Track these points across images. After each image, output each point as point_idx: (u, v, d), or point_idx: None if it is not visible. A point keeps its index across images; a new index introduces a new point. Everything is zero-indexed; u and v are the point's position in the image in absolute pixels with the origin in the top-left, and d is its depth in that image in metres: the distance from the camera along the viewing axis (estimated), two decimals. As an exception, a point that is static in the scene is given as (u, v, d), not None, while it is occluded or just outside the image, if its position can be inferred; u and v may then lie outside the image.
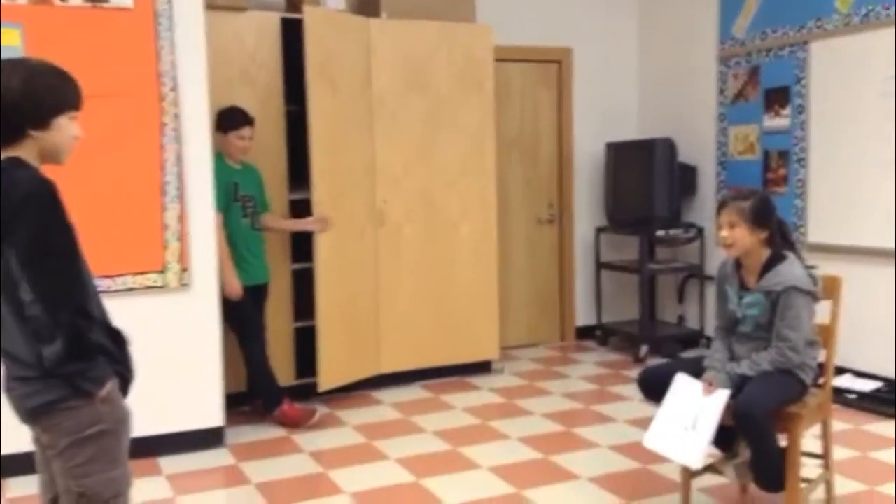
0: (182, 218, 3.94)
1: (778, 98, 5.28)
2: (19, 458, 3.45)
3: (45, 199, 1.84)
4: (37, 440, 2.04)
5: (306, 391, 4.81)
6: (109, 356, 1.93)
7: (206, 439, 4.05)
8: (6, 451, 3.57)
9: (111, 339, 1.96)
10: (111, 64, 3.78)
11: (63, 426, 1.90)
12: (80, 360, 1.86)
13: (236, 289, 4.26)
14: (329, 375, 4.74)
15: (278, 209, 4.76)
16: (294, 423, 4.38)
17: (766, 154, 5.40)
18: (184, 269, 3.96)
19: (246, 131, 4.36)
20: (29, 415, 1.92)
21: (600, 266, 6.28)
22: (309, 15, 4.59)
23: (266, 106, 4.70)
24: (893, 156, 4.53)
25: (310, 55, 4.55)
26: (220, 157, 4.30)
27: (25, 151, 1.92)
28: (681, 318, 6.25)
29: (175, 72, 3.90)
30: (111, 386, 1.94)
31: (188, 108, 3.94)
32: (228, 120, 4.34)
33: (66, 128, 1.96)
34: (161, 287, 3.91)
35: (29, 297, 1.83)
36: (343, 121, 4.82)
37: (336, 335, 4.78)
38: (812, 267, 3.08)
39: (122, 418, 1.99)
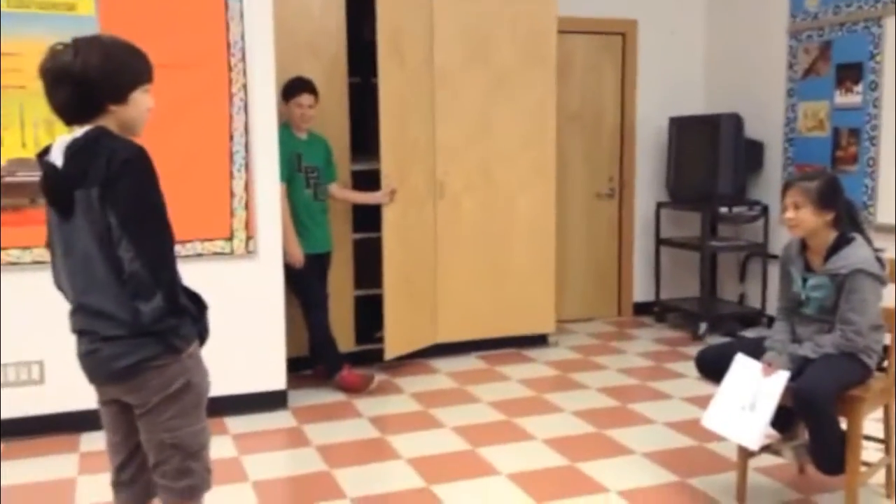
0: (248, 187, 4.04)
1: (850, 74, 5.13)
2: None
3: (143, 163, 1.93)
4: (108, 402, 2.11)
5: (366, 358, 4.92)
6: (193, 318, 2.02)
7: (269, 401, 4.19)
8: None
9: (193, 302, 2.05)
10: (182, 34, 3.87)
11: (153, 383, 1.99)
12: (175, 316, 1.96)
13: (298, 257, 4.36)
14: (394, 344, 4.84)
15: (342, 180, 4.82)
16: (353, 389, 4.49)
17: (836, 131, 5.26)
18: (249, 237, 4.07)
19: (305, 98, 4.42)
20: (118, 375, 1.99)
21: (660, 242, 6.22)
22: None
23: (331, 78, 4.75)
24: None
25: (381, 27, 4.57)
26: (286, 127, 4.38)
27: (104, 124, 1.99)
28: (742, 297, 6.17)
29: (243, 42, 3.98)
30: (196, 344, 2.05)
31: (256, 79, 4.02)
32: (288, 88, 4.41)
33: (141, 101, 2.03)
34: (228, 254, 4.03)
35: (129, 255, 1.92)
36: (409, 94, 4.85)
37: (400, 305, 4.86)
38: (879, 250, 3.02)
39: (205, 374, 2.10)
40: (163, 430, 2.01)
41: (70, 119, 1.99)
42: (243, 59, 3.97)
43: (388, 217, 4.73)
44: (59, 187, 1.98)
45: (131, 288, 1.93)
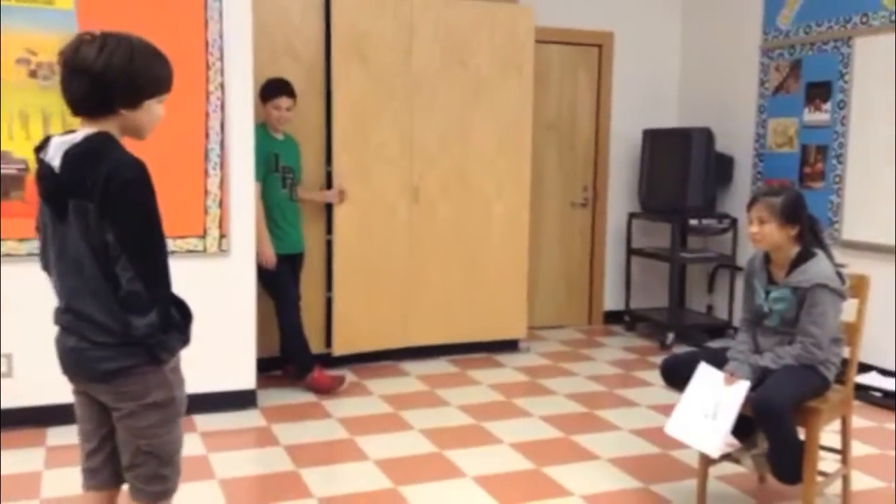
0: (223, 185, 4.06)
1: (819, 92, 5.25)
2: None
3: (144, 183, 1.90)
4: (85, 394, 2.10)
5: (336, 361, 4.94)
6: (178, 329, 2.01)
7: (239, 400, 4.20)
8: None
9: (179, 311, 2.04)
10: (160, 31, 3.81)
11: (133, 389, 1.99)
12: (164, 331, 1.96)
13: (270, 258, 4.38)
14: (343, 342, 4.92)
15: (316, 181, 4.87)
16: (324, 390, 4.51)
17: (804, 148, 5.37)
18: (223, 236, 4.08)
19: (283, 101, 4.44)
20: (101, 377, 1.99)
21: (631, 252, 6.30)
22: None
23: (309, 79, 4.78)
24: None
25: (335, 31, 4.71)
26: (262, 127, 4.40)
27: (110, 125, 1.95)
28: (709, 308, 6.27)
29: (222, 41, 3.99)
30: (178, 359, 2.07)
31: (233, 78, 4.03)
32: (266, 90, 4.44)
33: (154, 109, 2.00)
34: (201, 251, 4.04)
35: (128, 275, 1.90)
36: (374, 97, 4.91)
37: (353, 304, 4.95)
38: (841, 265, 3.10)
39: (183, 385, 2.11)
40: (139, 436, 2.02)
41: (79, 112, 1.95)
42: (221, 58, 3.99)
43: (340, 217, 4.85)
44: (55, 193, 1.95)
45: (127, 303, 1.93)
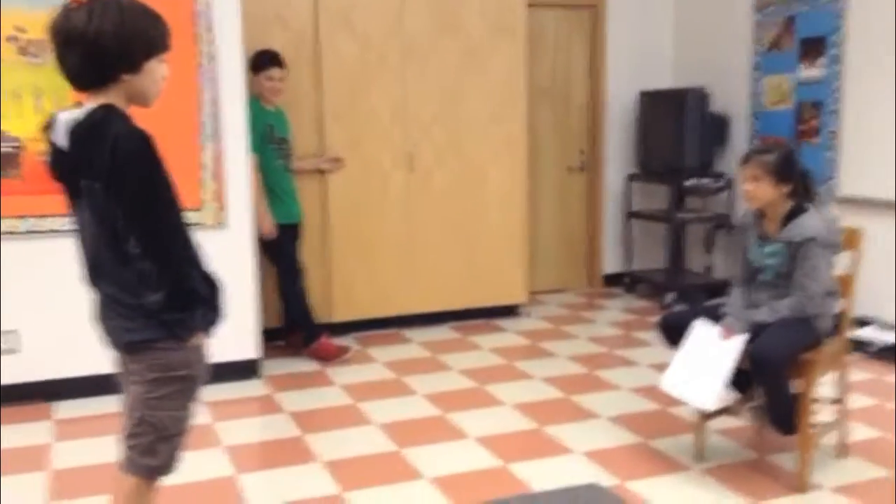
0: (218, 158, 4.07)
1: (814, 48, 5.23)
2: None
3: (149, 156, 1.86)
4: (123, 365, 2.11)
5: (338, 329, 4.99)
6: (206, 304, 1.99)
7: (242, 370, 4.25)
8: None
9: (207, 284, 2.01)
10: (148, 3, 3.85)
11: (153, 362, 1.98)
12: (180, 310, 1.94)
13: (271, 228, 4.41)
14: (344, 308, 5.01)
15: (311, 150, 4.89)
16: (329, 357, 4.56)
17: (800, 105, 5.36)
18: (220, 208, 4.10)
19: (275, 72, 4.44)
20: (124, 347, 2.01)
21: (630, 214, 6.32)
22: None
23: (298, 49, 4.78)
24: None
25: (320, 1, 4.75)
26: (255, 100, 4.40)
27: (114, 96, 1.90)
28: (708, 268, 6.29)
29: (210, 12, 3.98)
30: (202, 336, 2.03)
31: (223, 50, 4.03)
32: (258, 61, 4.43)
33: (156, 70, 1.93)
34: (198, 225, 4.06)
35: (137, 251, 1.88)
36: (364, 64, 4.91)
37: (352, 272, 5.03)
38: (832, 219, 3.11)
39: (206, 365, 2.09)
40: (146, 406, 2.01)
41: (81, 86, 1.89)
42: (210, 29, 3.98)
43: (334, 186, 4.93)
44: (65, 173, 1.93)
45: (141, 279, 1.91)
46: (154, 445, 2.03)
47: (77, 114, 1.89)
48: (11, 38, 3.72)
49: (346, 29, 4.86)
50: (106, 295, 2.00)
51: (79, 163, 1.88)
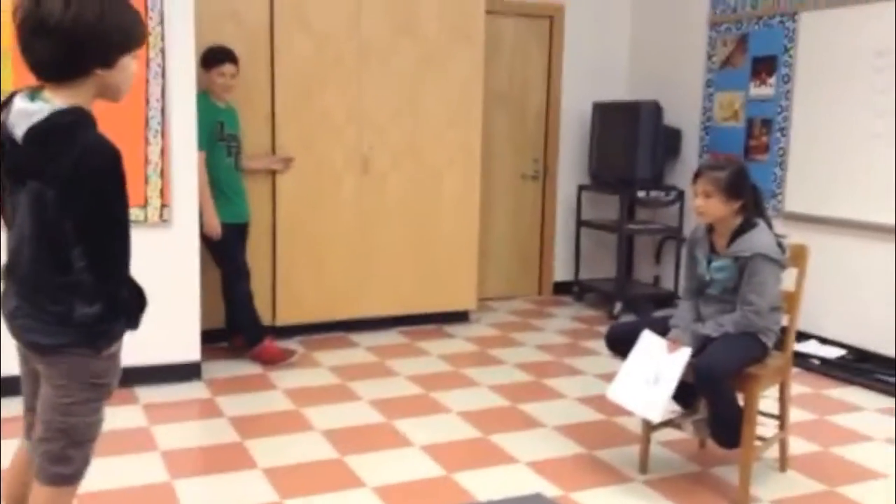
0: (164, 154, 3.96)
1: (765, 66, 5.31)
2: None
3: (115, 173, 1.78)
4: (27, 360, 2.03)
5: (285, 332, 4.91)
6: (128, 315, 1.93)
7: (183, 372, 4.14)
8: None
9: (135, 297, 1.95)
10: None
11: (64, 367, 1.90)
12: (108, 322, 1.87)
13: (216, 228, 4.31)
14: (289, 311, 4.94)
15: (260, 150, 4.80)
16: (273, 360, 4.47)
17: (750, 121, 5.45)
18: (164, 205, 3.99)
19: (227, 68, 4.35)
20: (35, 348, 1.92)
21: (581, 223, 6.35)
22: None
23: (252, 46, 4.69)
24: (889, 129, 4.57)
25: None
26: (205, 95, 4.30)
27: (83, 90, 1.81)
28: (656, 279, 6.36)
29: (162, 6, 3.88)
30: (119, 344, 1.96)
31: (174, 44, 3.93)
32: (210, 57, 4.34)
33: (129, 66, 1.86)
34: (142, 222, 3.95)
35: (82, 264, 1.81)
36: (320, 64, 4.85)
37: (299, 274, 4.95)
38: (781, 236, 3.15)
39: (118, 372, 2.02)
40: (58, 412, 1.92)
41: (48, 77, 1.78)
42: (161, 22, 3.87)
43: (284, 186, 4.85)
44: (12, 169, 1.83)
45: (75, 289, 1.83)
46: (65, 451, 1.95)
47: (40, 111, 1.76)
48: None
49: (302, 27, 4.79)
50: (21, 293, 1.90)
51: (32, 163, 1.78)
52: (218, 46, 4.38)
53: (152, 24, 3.86)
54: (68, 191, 1.76)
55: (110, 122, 3.73)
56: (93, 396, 1.95)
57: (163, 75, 3.90)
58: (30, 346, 1.94)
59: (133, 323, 1.96)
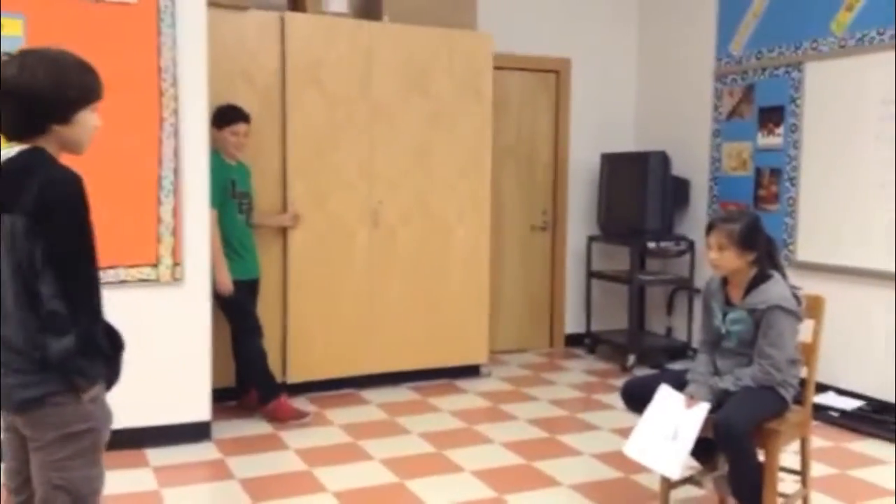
0: (176, 213, 3.97)
1: (772, 117, 5.34)
2: None
3: (79, 200, 1.85)
4: (11, 429, 2.02)
5: (295, 389, 4.86)
6: (105, 358, 1.94)
7: (192, 433, 4.08)
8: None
9: (109, 340, 1.96)
10: (112, 58, 3.79)
11: (50, 420, 1.90)
12: (85, 357, 1.88)
13: (227, 285, 4.30)
14: (299, 368, 4.90)
15: (272, 207, 4.82)
16: (286, 418, 4.41)
17: (758, 171, 5.45)
18: (176, 264, 3.99)
19: (240, 127, 4.40)
20: (17, 406, 1.91)
21: (591, 275, 6.32)
22: (291, 19, 4.79)
23: (264, 104, 4.74)
24: (892, 178, 4.57)
25: (290, 56, 4.75)
26: (217, 154, 4.34)
27: (46, 143, 1.90)
28: (669, 330, 6.30)
29: (175, 68, 3.93)
30: (100, 387, 1.96)
31: (187, 105, 3.97)
32: (223, 116, 4.38)
33: (88, 120, 1.94)
34: (154, 280, 3.94)
35: (50, 292, 1.83)
36: (331, 122, 4.91)
37: (310, 330, 4.92)
38: (796, 287, 3.13)
39: (106, 419, 2.01)
40: (53, 469, 1.91)
41: (11, 136, 1.90)
42: (175, 83, 3.92)
43: (295, 242, 4.86)
44: None
45: (46, 323, 1.85)
46: None
47: (9, 152, 1.90)
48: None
49: (314, 86, 4.85)
50: (7, 347, 1.90)
51: (4, 198, 1.85)
52: (231, 105, 4.43)
53: (165, 86, 3.91)
54: (36, 218, 1.82)
55: (124, 181, 3.79)
56: (85, 447, 1.94)
57: (175, 135, 3.94)
58: (15, 407, 1.92)
59: (112, 366, 1.96)
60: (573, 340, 6.49)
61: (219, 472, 3.79)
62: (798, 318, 3.06)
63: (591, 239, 6.31)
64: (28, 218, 1.82)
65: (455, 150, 5.29)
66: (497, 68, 5.54)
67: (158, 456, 3.90)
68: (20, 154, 1.88)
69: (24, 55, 1.86)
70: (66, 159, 1.97)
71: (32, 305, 1.86)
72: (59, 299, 1.84)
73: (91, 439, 1.95)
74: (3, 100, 1.84)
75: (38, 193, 1.81)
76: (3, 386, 1.92)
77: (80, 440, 1.93)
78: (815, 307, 3.16)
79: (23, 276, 1.85)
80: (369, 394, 5.06)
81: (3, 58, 1.85)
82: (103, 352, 1.93)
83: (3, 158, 1.90)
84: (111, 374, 1.97)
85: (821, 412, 4.55)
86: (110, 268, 3.81)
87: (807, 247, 5.10)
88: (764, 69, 5.40)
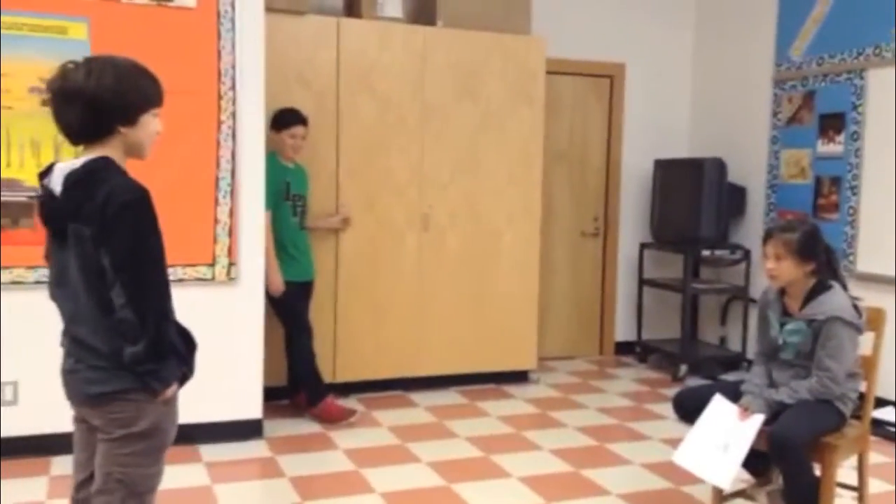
0: (233, 214, 4.05)
1: (833, 124, 5.22)
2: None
3: (143, 208, 1.92)
4: (82, 420, 2.10)
5: (344, 389, 4.91)
6: (180, 358, 2.00)
7: (244, 430, 4.15)
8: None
9: (182, 340, 2.03)
10: (173, 61, 3.89)
11: (121, 416, 1.97)
12: (156, 361, 1.94)
13: (279, 286, 4.36)
14: (348, 368, 4.96)
15: (327, 208, 4.88)
16: (334, 419, 4.46)
17: (818, 179, 5.33)
18: (232, 264, 4.06)
19: (298, 130, 4.46)
20: (91, 399, 1.98)
21: (643, 282, 6.25)
22: (346, 24, 4.87)
23: (319, 107, 4.80)
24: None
25: (344, 63, 4.83)
26: (273, 156, 4.41)
27: (112, 148, 1.99)
28: (722, 340, 6.19)
29: (234, 72, 4.01)
30: (175, 388, 2.02)
31: (245, 108, 4.04)
32: (281, 119, 4.45)
33: (151, 124, 2.03)
34: (210, 279, 4.02)
35: (121, 301, 1.90)
36: (383, 126, 4.95)
37: (359, 331, 4.98)
38: (857, 298, 3.05)
39: (175, 421, 2.08)
40: (116, 462, 1.98)
41: (78, 139, 1.99)
42: (233, 87, 4.00)
43: (345, 244, 4.93)
44: (54, 216, 1.98)
45: (121, 330, 1.92)
46: (125, 503, 1.99)
47: (75, 163, 1.96)
48: (36, 90, 3.74)
49: (367, 90, 4.90)
50: (79, 343, 1.99)
51: (70, 207, 1.92)
52: (289, 109, 4.49)
53: (224, 89, 3.99)
54: (102, 228, 1.88)
55: (183, 183, 3.88)
56: (151, 446, 2.00)
57: (233, 137, 4.01)
58: (88, 401, 1.99)
59: (185, 366, 2.02)
60: (623, 348, 6.42)
61: (269, 469, 3.85)
62: (858, 330, 2.98)
63: (644, 246, 6.24)
64: (95, 225, 1.89)
65: (506, 155, 5.29)
66: (550, 73, 5.51)
67: (211, 452, 3.97)
68: (87, 164, 1.94)
69: (90, 62, 1.95)
70: (128, 163, 2.03)
71: (105, 308, 1.92)
72: (128, 308, 1.90)
73: (158, 439, 2.02)
74: (72, 103, 1.92)
75: (102, 205, 1.88)
76: (78, 379, 2.00)
77: (147, 439, 1.99)
78: (875, 319, 3.07)
79: (95, 284, 1.92)
80: (417, 396, 5.07)
81: (70, 65, 1.94)
82: (177, 351, 1.99)
83: (67, 169, 1.95)
84: (186, 373, 2.04)
85: (879, 427, 4.42)
86: (169, 266, 3.88)
87: (867, 258, 4.96)
88: (825, 75, 5.28)
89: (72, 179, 1.93)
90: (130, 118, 1.97)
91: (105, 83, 1.92)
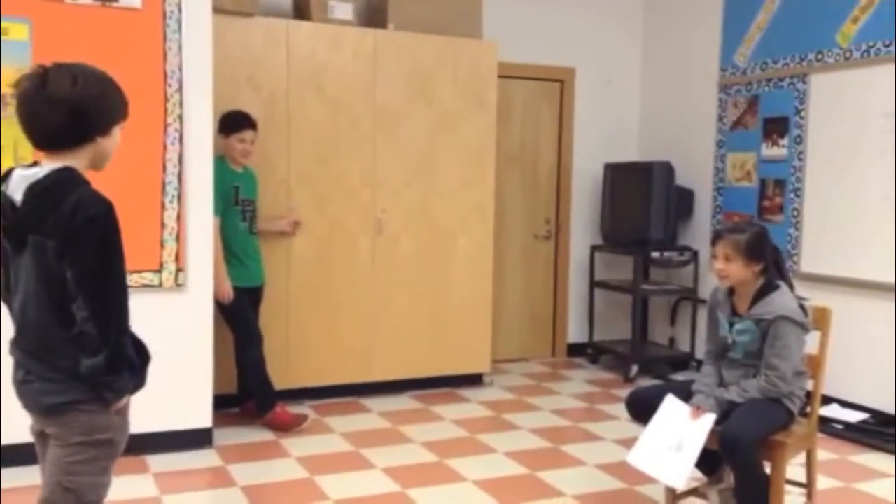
0: (180, 218, 3.96)
1: (776, 128, 5.34)
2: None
3: (110, 221, 1.90)
4: (39, 433, 2.07)
5: (296, 395, 4.84)
6: (133, 370, 1.98)
7: (194, 439, 4.06)
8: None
9: (136, 351, 2.01)
10: (118, 63, 3.73)
11: (76, 425, 1.95)
12: (113, 373, 1.92)
13: (227, 292, 4.28)
14: (300, 374, 4.89)
15: (278, 212, 4.81)
16: (285, 427, 4.39)
17: (763, 182, 5.44)
18: (179, 270, 3.98)
19: (247, 134, 4.39)
20: (45, 410, 1.97)
21: (594, 284, 6.31)
22: (296, 27, 4.81)
23: (269, 110, 4.74)
24: (892, 190, 4.57)
25: (295, 65, 4.77)
26: (221, 160, 4.33)
27: (80, 157, 1.96)
28: (672, 340, 6.28)
29: (181, 74, 3.93)
30: (127, 399, 2.02)
31: (192, 110, 3.96)
32: (230, 123, 4.37)
33: (117, 135, 2.05)
34: (157, 286, 3.93)
35: (84, 314, 1.87)
36: (334, 129, 4.90)
37: (311, 336, 4.92)
38: (803, 298, 3.11)
39: (127, 431, 2.07)
40: (66, 471, 1.97)
41: (50, 146, 1.94)
42: (180, 89, 3.92)
43: (297, 248, 4.87)
44: (14, 226, 1.93)
45: (79, 343, 1.89)
46: None
47: (38, 172, 1.92)
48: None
49: (318, 93, 4.86)
50: (31, 354, 1.96)
51: (31, 218, 1.88)
52: (238, 112, 4.42)
53: (171, 91, 3.90)
54: (67, 240, 1.86)
55: (128, 187, 3.78)
56: (100, 454, 1.99)
57: (180, 141, 3.93)
58: (42, 411, 1.98)
59: (139, 377, 2.01)
60: (575, 350, 6.47)
61: (220, 478, 3.77)
62: (805, 329, 3.04)
63: (595, 248, 6.30)
64: (59, 238, 1.86)
65: (459, 158, 5.29)
66: (502, 77, 5.53)
67: (159, 462, 3.88)
68: (51, 174, 1.90)
69: (72, 68, 1.91)
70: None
71: (63, 320, 1.89)
72: (90, 321, 1.88)
73: (109, 449, 2.01)
74: (56, 108, 1.89)
75: (69, 216, 1.85)
76: (31, 391, 1.97)
77: (98, 448, 1.98)
78: (821, 319, 3.14)
79: (54, 296, 1.89)
80: (371, 401, 5.03)
81: (51, 68, 1.90)
82: (131, 363, 1.97)
83: (31, 178, 1.91)
84: (137, 384, 2.02)
85: (825, 424, 4.52)
86: (114, 273, 3.80)
87: (811, 258, 5.09)
88: (769, 80, 5.40)
89: (35, 189, 1.89)
90: (106, 128, 1.98)
91: (91, 92, 1.92)
